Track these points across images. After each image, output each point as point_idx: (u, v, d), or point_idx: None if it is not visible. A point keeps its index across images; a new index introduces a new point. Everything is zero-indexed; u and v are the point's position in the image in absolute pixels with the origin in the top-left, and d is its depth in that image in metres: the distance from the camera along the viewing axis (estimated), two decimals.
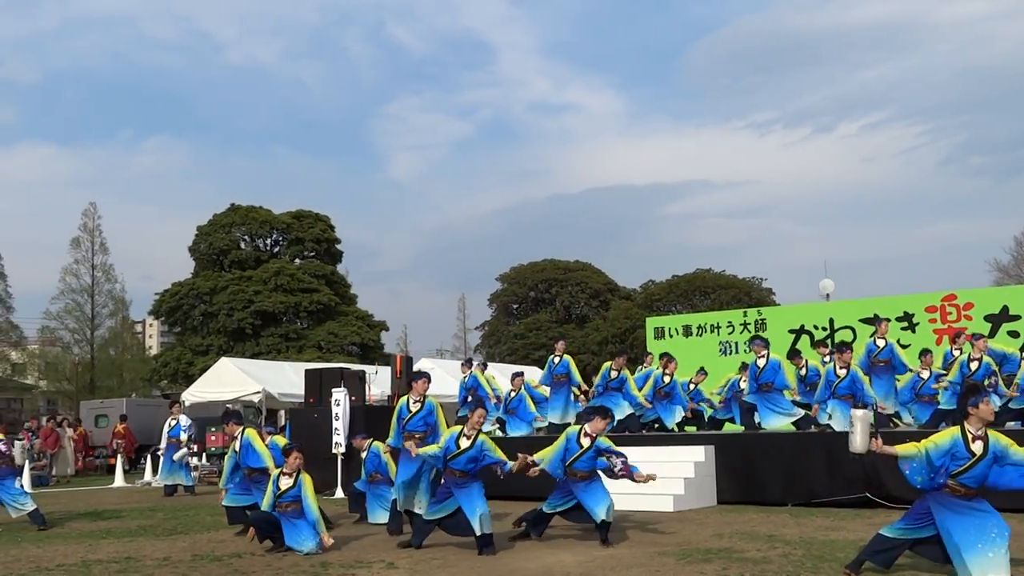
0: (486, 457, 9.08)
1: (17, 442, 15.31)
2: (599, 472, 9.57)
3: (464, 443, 9.05)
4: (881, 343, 14.11)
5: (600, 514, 9.18)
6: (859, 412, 7.47)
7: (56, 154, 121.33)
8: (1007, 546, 6.70)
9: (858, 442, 7.25)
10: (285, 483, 9.34)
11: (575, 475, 9.46)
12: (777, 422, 13.61)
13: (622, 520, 10.46)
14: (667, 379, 15.53)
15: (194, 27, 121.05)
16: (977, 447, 6.75)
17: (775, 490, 12.47)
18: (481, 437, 9.14)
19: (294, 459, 9.44)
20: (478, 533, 8.75)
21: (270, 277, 46.76)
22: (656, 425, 15.69)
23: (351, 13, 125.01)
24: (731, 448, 13.15)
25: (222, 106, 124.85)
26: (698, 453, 12.94)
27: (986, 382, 12.39)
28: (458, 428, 9.27)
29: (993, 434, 6.86)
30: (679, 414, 15.67)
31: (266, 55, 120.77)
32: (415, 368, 19.26)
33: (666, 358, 15.96)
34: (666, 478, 12.50)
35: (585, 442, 9.48)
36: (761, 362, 13.70)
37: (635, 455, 13.40)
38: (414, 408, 10.08)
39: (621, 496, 12.08)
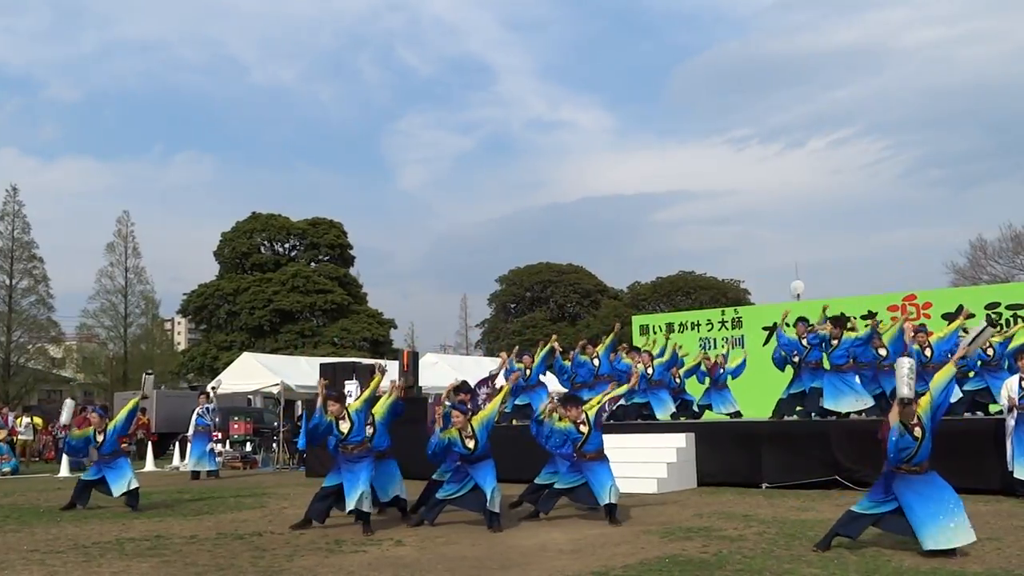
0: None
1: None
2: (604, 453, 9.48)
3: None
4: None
5: (604, 497, 9.16)
6: (904, 360, 7.20)
7: (94, 167, 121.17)
8: (964, 514, 6.79)
9: (904, 388, 7.11)
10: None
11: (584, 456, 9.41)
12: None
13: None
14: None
15: (221, 51, 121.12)
16: (917, 432, 6.94)
17: (750, 473, 12.46)
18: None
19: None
20: (491, 510, 8.79)
21: (288, 279, 46.71)
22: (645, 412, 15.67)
23: (364, 38, 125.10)
24: (710, 435, 13.15)
25: (246, 123, 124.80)
26: (680, 440, 12.93)
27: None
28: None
29: (921, 408, 6.99)
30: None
31: (287, 77, 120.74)
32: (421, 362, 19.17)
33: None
34: (650, 463, 12.52)
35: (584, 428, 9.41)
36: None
37: (621, 442, 13.48)
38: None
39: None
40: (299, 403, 24.29)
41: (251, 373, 23.67)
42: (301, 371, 23.89)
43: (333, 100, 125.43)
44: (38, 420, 24.18)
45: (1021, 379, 10.16)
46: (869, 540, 7.50)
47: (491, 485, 8.86)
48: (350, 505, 8.89)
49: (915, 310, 17.93)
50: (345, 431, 9.11)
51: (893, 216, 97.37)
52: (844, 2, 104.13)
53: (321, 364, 19.30)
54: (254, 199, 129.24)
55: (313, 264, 50.01)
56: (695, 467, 12.93)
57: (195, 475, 17.35)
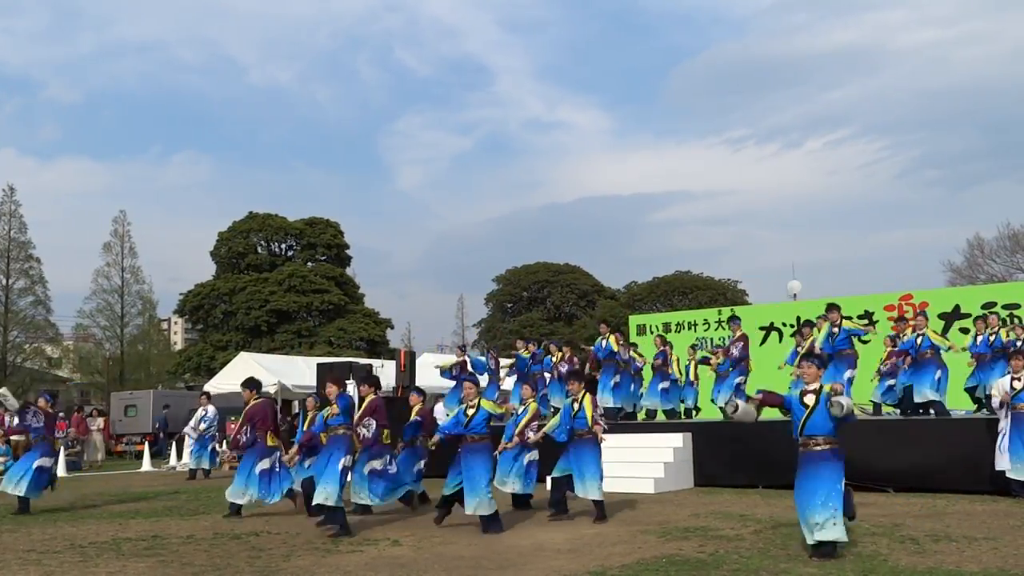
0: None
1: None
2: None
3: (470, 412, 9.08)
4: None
5: (581, 491, 9.31)
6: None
7: (92, 167, 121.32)
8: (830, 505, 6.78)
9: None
10: None
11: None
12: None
13: (607, 501, 10.44)
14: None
15: (219, 52, 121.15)
16: (809, 399, 7.04)
17: (747, 473, 12.47)
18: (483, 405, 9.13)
19: None
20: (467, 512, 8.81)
21: (284, 279, 46.64)
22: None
23: (362, 39, 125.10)
24: (707, 435, 13.15)
25: (243, 123, 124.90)
26: (676, 440, 12.94)
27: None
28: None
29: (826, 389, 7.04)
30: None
31: (284, 77, 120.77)
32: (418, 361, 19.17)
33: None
34: (647, 462, 12.53)
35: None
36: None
37: (619, 442, 13.47)
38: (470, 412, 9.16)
39: (607, 479, 12.11)
40: (296, 403, 24.31)
41: (248, 373, 23.60)
42: (298, 371, 23.89)
43: (331, 100, 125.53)
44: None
45: (1013, 378, 10.19)
46: (866, 539, 7.51)
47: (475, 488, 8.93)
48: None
49: (911, 310, 17.92)
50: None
51: (890, 216, 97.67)
52: (841, 3, 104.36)
53: (318, 364, 19.27)
54: (252, 199, 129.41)
55: (310, 264, 49.94)
56: (692, 467, 12.93)
57: (192, 474, 17.33)
